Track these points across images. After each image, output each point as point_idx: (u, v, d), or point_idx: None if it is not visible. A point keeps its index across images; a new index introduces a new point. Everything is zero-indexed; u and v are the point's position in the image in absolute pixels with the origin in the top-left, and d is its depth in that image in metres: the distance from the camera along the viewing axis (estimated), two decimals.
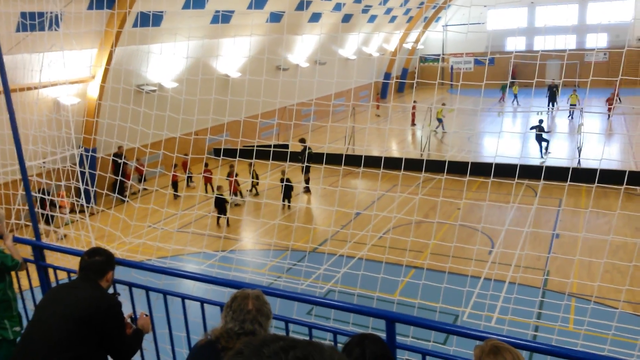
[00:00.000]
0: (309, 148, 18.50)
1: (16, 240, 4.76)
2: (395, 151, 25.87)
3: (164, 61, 20.38)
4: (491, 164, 7.98)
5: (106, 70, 17.91)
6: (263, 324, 2.90)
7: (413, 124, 29.90)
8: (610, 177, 16.54)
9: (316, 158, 18.60)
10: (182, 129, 9.57)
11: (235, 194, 18.22)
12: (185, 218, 16.43)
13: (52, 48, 9.25)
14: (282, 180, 17.70)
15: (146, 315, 4.04)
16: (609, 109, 27.32)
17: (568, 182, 7.24)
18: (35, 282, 4.85)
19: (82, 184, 7.75)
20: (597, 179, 6.92)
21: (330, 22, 31.33)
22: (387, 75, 41.16)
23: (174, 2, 19.41)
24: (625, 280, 10.79)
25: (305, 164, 17.91)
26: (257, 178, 18.64)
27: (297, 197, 19.16)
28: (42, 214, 8.92)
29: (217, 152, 23.13)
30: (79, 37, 15.78)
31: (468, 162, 14.92)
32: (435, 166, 19.12)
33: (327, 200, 18.61)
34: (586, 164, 18.77)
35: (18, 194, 7.94)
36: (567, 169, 9.79)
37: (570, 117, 30.82)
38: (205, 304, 3.97)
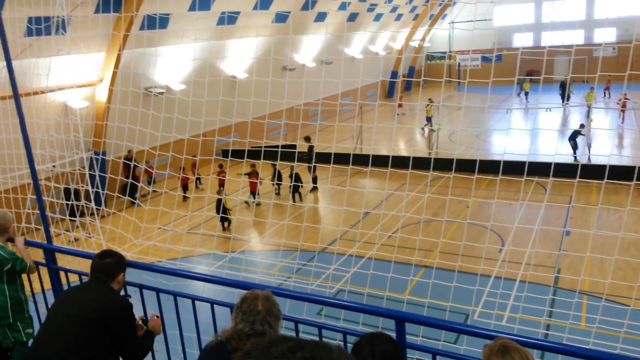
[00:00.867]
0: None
1: (27, 243, 4.80)
2: (403, 150, 25.80)
3: (172, 63, 20.47)
4: (500, 161, 7.94)
5: (114, 74, 18.03)
6: (273, 324, 2.91)
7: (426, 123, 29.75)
8: (621, 173, 16.42)
9: (320, 156, 18.64)
10: (190, 131, 9.61)
11: (254, 194, 18.17)
12: (195, 219, 16.50)
13: (59, 52, 9.31)
14: (290, 175, 17.83)
15: (157, 316, 4.06)
16: (622, 111, 26.66)
17: (577, 179, 7.19)
18: (47, 284, 4.89)
19: (92, 187, 7.80)
20: (606, 175, 6.86)
21: (336, 21, 31.31)
22: (394, 74, 41.07)
23: (180, 4, 19.49)
24: (637, 278, 10.68)
25: (312, 162, 17.97)
26: (281, 179, 18.62)
27: (305, 196, 19.18)
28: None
29: (225, 153, 23.20)
30: (87, 41, 15.88)
31: (476, 160, 14.86)
32: (443, 164, 19.06)
33: (336, 200, 18.60)
34: (596, 160, 18.63)
35: (27, 197, 8.01)
36: (577, 165, 9.71)
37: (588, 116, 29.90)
38: (215, 305, 3.98)
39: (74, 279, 4.61)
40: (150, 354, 3.97)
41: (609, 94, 33.79)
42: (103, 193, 8.55)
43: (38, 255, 4.99)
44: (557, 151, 19.59)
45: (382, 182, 18.98)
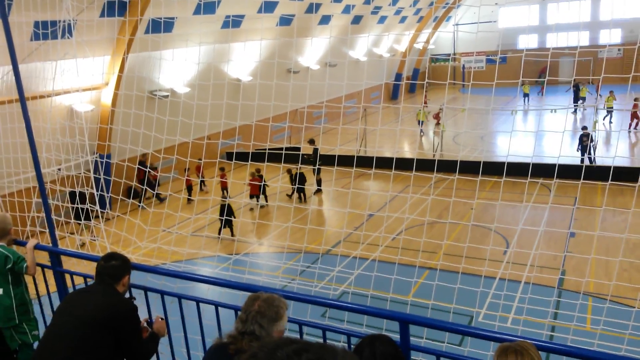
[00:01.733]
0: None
1: (35, 247, 4.83)
2: (407, 152, 25.79)
3: (176, 67, 20.55)
4: (504, 163, 7.94)
5: (119, 77, 18.11)
6: (264, 325, 2.93)
7: (438, 124, 29.73)
8: (626, 174, 16.35)
9: (324, 158, 18.66)
10: (194, 134, 9.64)
11: (255, 197, 18.09)
12: (199, 222, 16.54)
13: (65, 56, 9.38)
14: (292, 176, 17.88)
15: (162, 319, 4.08)
16: (636, 125, 25.85)
17: (582, 180, 7.17)
18: (53, 287, 4.92)
19: (98, 191, 7.84)
20: (610, 176, 6.84)
21: (340, 24, 31.37)
22: (398, 76, 41.07)
23: (185, 8, 19.58)
24: None
25: (316, 164, 17.98)
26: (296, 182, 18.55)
27: (309, 198, 19.20)
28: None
29: (229, 156, 23.25)
30: (92, 45, 15.98)
31: (480, 162, 14.86)
32: (448, 166, 19.03)
33: (340, 202, 18.61)
34: (601, 161, 18.56)
35: (33, 201, 8.06)
36: (582, 166, 9.69)
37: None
38: (219, 307, 4.00)
39: (79, 281, 4.64)
40: (155, 356, 4.00)
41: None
42: (108, 196, 8.58)
43: (44, 258, 5.02)
44: (562, 153, 19.51)
45: (386, 184, 18.96)
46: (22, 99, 4.95)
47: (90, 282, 3.99)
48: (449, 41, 46.51)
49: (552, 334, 9.60)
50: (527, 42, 43.80)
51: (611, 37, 40.82)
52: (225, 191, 19.15)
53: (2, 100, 13.74)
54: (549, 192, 17.62)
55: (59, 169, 10.06)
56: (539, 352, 2.73)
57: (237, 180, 18.44)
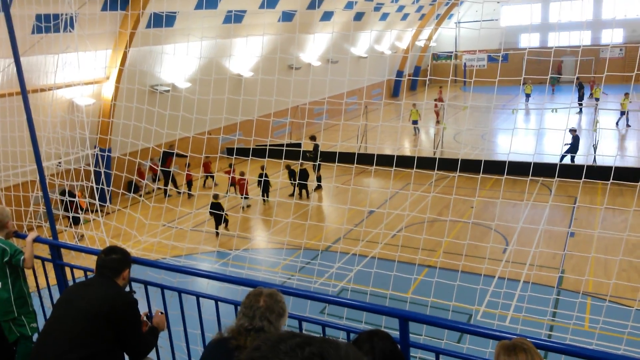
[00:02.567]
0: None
1: (36, 240, 4.82)
2: (407, 149, 25.78)
3: (177, 61, 20.53)
4: (505, 161, 7.93)
5: (120, 71, 18.09)
6: (273, 321, 2.92)
7: (438, 122, 29.70)
8: (626, 174, 16.36)
9: (324, 155, 18.64)
10: (195, 129, 9.63)
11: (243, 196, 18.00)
12: (199, 217, 16.55)
13: (67, 49, 9.36)
14: (291, 174, 17.84)
15: (161, 313, 4.08)
16: None
17: (583, 179, 7.17)
18: (53, 280, 4.92)
19: (98, 184, 7.84)
20: (612, 176, 6.84)
21: (342, 20, 31.31)
22: (400, 73, 41.01)
23: (186, 2, 19.54)
24: None
25: (317, 161, 17.99)
26: (295, 179, 18.47)
27: (310, 194, 19.20)
28: (65, 215, 9.00)
29: (229, 151, 23.24)
30: (93, 39, 15.95)
31: (481, 160, 14.86)
32: (448, 164, 19.02)
33: (340, 199, 18.61)
34: (602, 161, 18.56)
35: (32, 195, 8.06)
36: (583, 166, 9.69)
37: (628, 124, 27.46)
38: (219, 302, 4.00)
39: (79, 274, 4.64)
40: (154, 349, 4.00)
41: (606, 94, 33.85)
42: (108, 190, 8.58)
43: (44, 250, 5.02)
44: (563, 152, 19.53)
45: (386, 181, 18.97)
46: (24, 92, 4.94)
47: (91, 275, 3.99)
48: (450, 39, 46.43)
49: (551, 333, 9.61)
50: (529, 41, 43.72)
51: (613, 36, 40.75)
52: (232, 186, 19.02)
53: (3, 93, 13.75)
54: (549, 191, 17.62)
55: (59, 163, 10.06)
56: (538, 350, 2.74)
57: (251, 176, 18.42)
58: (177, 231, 13.53)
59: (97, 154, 10.93)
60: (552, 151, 21.51)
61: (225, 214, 15.24)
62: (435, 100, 30.89)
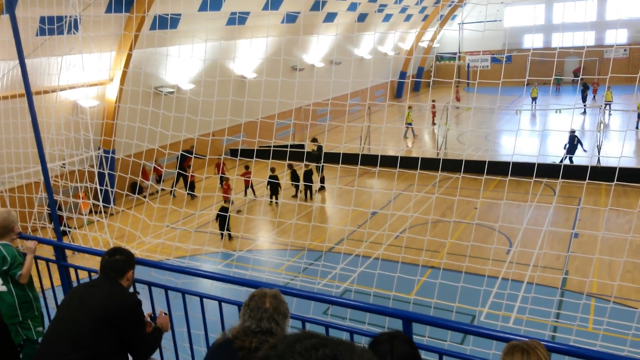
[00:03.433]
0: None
1: (40, 241, 4.84)
2: (411, 150, 25.76)
3: (181, 63, 20.58)
4: (509, 162, 7.92)
5: (124, 73, 18.14)
6: (280, 322, 2.93)
7: (433, 124, 29.70)
8: (631, 175, 16.29)
9: (328, 156, 18.63)
10: (199, 130, 9.66)
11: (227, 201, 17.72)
12: (203, 218, 16.57)
13: (71, 51, 9.40)
14: (293, 174, 17.82)
15: (165, 314, 4.09)
16: None
17: (587, 180, 7.15)
18: (57, 281, 4.94)
19: (102, 186, 7.87)
20: (616, 177, 6.82)
21: (345, 21, 31.33)
22: (403, 75, 40.99)
23: (190, 4, 19.58)
24: None
25: (320, 162, 18.00)
26: (298, 180, 18.25)
27: (314, 195, 19.21)
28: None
29: (233, 152, 23.28)
30: (97, 41, 16.00)
31: (485, 161, 14.84)
32: (451, 165, 19.00)
33: (343, 200, 18.61)
34: (606, 162, 18.50)
35: (36, 196, 8.09)
36: (586, 167, 9.66)
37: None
38: (223, 303, 4.01)
39: (83, 275, 4.66)
40: (158, 350, 4.01)
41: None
42: (112, 191, 8.61)
43: (49, 252, 5.04)
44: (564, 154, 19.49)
45: (389, 182, 18.97)
46: (29, 94, 4.95)
47: (95, 276, 4.00)
48: (454, 40, 46.38)
49: (554, 334, 9.58)
50: (533, 41, 43.62)
51: (617, 37, 40.62)
52: (249, 189, 18.79)
53: (6, 95, 13.80)
54: (553, 192, 17.58)
55: (63, 165, 10.10)
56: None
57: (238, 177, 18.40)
58: (181, 232, 13.56)
59: (100, 155, 10.96)
60: (556, 152, 21.49)
61: (229, 218, 14.76)
62: (453, 98, 30.63)
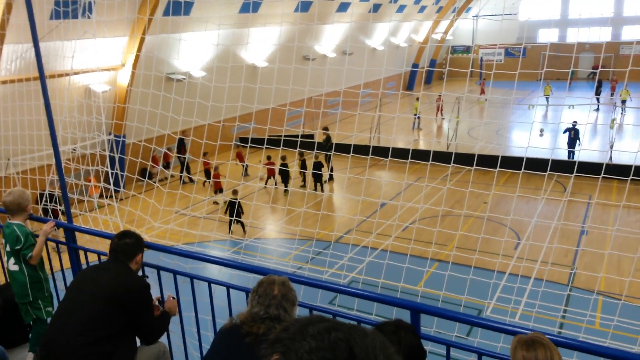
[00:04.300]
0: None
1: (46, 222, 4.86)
2: (421, 143, 25.65)
3: (193, 50, 20.56)
4: (519, 157, 7.85)
5: (137, 57, 18.12)
6: (288, 309, 2.93)
7: (441, 117, 29.53)
8: None
9: (337, 146, 18.57)
10: (210, 118, 9.65)
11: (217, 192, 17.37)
12: (212, 205, 16.63)
13: (84, 35, 9.40)
14: (303, 163, 17.82)
15: (173, 298, 4.11)
16: None
17: (602, 175, 7.07)
18: (66, 264, 4.97)
19: (112, 170, 7.90)
20: (632, 173, 6.73)
21: (358, 12, 31.11)
22: (415, 67, 40.73)
23: None
24: None
25: (329, 152, 17.96)
26: (306, 169, 18.30)
27: (324, 185, 19.21)
28: (45, 209, 8.92)
29: (243, 141, 23.29)
30: (110, 25, 16.02)
31: (495, 156, 14.71)
32: (460, 159, 18.85)
33: (352, 191, 18.58)
34: (618, 159, 18.31)
35: (47, 178, 8.13)
36: (598, 164, 9.57)
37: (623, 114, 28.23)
38: (230, 289, 4.02)
39: (92, 258, 4.69)
40: (165, 334, 4.03)
41: (613, 93, 33.41)
42: (122, 175, 8.64)
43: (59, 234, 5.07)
44: (579, 149, 19.33)
45: (398, 174, 18.90)
46: (42, 77, 4.96)
47: (104, 259, 4.02)
48: (467, 33, 45.96)
49: (561, 330, 9.55)
50: (548, 36, 43.12)
51: (635, 33, 40.04)
52: (272, 179, 18.80)
53: (20, 78, 13.86)
54: (564, 188, 17.45)
55: (74, 149, 10.15)
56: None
57: (254, 164, 18.41)
58: (190, 218, 13.62)
59: (111, 140, 10.99)
60: (566, 147, 21.27)
61: (241, 213, 14.40)
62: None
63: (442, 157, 18.12)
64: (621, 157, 18.08)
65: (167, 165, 20.27)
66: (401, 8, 35.43)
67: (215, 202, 17.24)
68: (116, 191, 8.88)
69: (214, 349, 3.09)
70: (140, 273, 3.98)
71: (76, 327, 3.43)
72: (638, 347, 6.88)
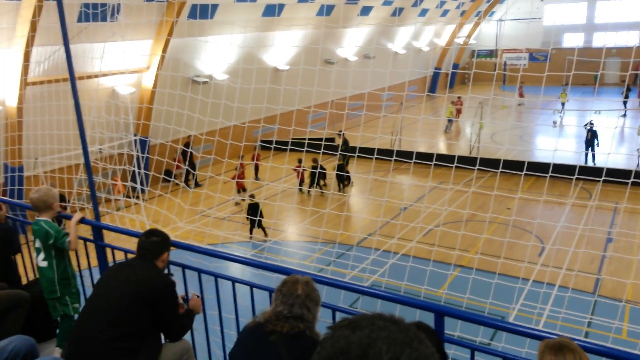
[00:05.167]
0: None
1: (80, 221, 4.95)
2: (443, 147, 25.46)
3: (216, 54, 20.76)
4: (544, 163, 7.74)
5: (162, 58, 18.34)
6: (311, 309, 2.94)
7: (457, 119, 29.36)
8: None
9: (359, 150, 18.52)
10: (234, 120, 9.74)
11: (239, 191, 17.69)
12: (234, 206, 16.74)
13: (113, 36, 9.58)
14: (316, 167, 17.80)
15: (198, 296, 4.15)
16: None
17: (631, 179, 6.94)
18: (94, 261, 5.05)
19: (137, 170, 8.02)
20: None
21: (380, 15, 31.07)
22: (437, 71, 40.52)
23: None
24: None
25: (347, 155, 17.94)
26: (325, 176, 18.21)
27: (348, 187, 19.16)
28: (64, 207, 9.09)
29: (262, 143, 23.41)
30: (137, 28, 16.29)
31: (520, 161, 14.54)
32: (484, 164, 18.63)
33: (374, 195, 18.51)
34: None
35: (75, 177, 8.29)
36: (626, 171, 9.38)
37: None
38: (254, 289, 4.05)
39: (120, 256, 4.76)
40: (189, 332, 4.07)
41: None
42: (147, 174, 8.74)
43: (86, 231, 5.16)
44: (606, 156, 18.97)
45: (420, 178, 18.77)
46: (72, 79, 5.06)
47: (131, 257, 4.08)
48: (491, 37, 45.52)
49: (587, 340, 9.37)
50: (573, 40, 42.43)
51: None
52: (302, 182, 18.69)
53: (49, 79, 14.16)
54: (589, 195, 17.13)
55: (100, 150, 10.32)
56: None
57: (277, 164, 18.46)
58: (213, 220, 13.72)
59: (136, 140, 11.16)
60: (593, 152, 20.89)
61: (260, 218, 13.82)
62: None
63: (465, 161, 17.96)
64: None
65: (192, 167, 20.47)
66: (424, 12, 35.28)
67: (237, 203, 17.31)
68: (142, 191, 8.99)
69: (238, 346, 3.12)
70: (165, 271, 4.03)
71: (103, 323, 3.49)
72: None
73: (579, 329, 9.47)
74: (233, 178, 16.64)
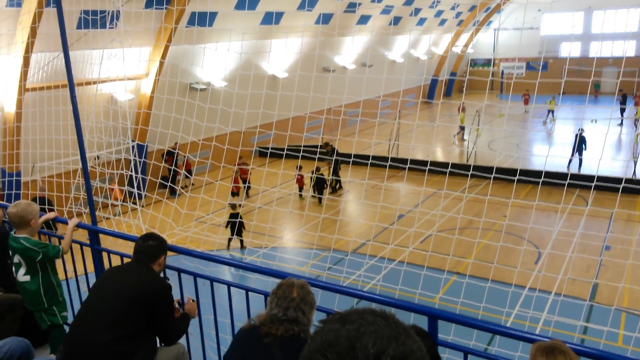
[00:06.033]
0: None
1: (77, 225, 4.96)
2: (439, 155, 25.53)
3: (214, 61, 20.85)
4: (539, 171, 7.79)
5: (161, 64, 18.42)
6: (306, 312, 2.96)
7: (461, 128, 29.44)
8: None
9: (355, 158, 18.63)
10: (227, 127, 9.79)
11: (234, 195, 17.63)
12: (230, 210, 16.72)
13: (111, 43, 9.63)
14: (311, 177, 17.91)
15: (193, 300, 4.17)
16: None
17: (622, 184, 6.99)
18: (90, 266, 5.06)
19: (135, 175, 8.05)
20: None
21: (378, 24, 31.27)
22: (435, 79, 40.72)
23: (227, 2, 19.84)
24: None
25: (336, 163, 18.04)
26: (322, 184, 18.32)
27: (341, 195, 19.23)
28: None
29: (259, 151, 23.46)
30: (135, 35, 16.35)
31: (516, 169, 14.58)
32: (480, 171, 18.72)
33: (365, 203, 18.55)
34: None
35: (73, 181, 8.31)
36: (621, 179, 9.44)
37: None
38: (249, 293, 4.07)
39: (116, 260, 4.78)
40: (184, 336, 4.09)
41: (638, 109, 32.91)
42: (144, 179, 8.78)
43: (83, 236, 5.18)
44: (600, 164, 19.05)
45: (416, 186, 18.82)
46: (71, 85, 5.08)
47: (127, 261, 4.10)
48: (488, 46, 45.79)
49: (580, 343, 9.37)
50: (570, 50, 42.69)
51: None
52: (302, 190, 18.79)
53: (48, 85, 14.21)
54: (585, 203, 17.19)
55: (97, 157, 10.35)
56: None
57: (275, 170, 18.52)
58: (209, 226, 13.72)
59: (134, 146, 11.19)
60: (588, 163, 21.00)
61: (242, 228, 14.01)
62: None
63: (461, 169, 18.03)
64: None
65: (189, 173, 20.49)
66: (421, 21, 35.51)
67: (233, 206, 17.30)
68: (139, 197, 9.02)
69: (233, 348, 3.14)
70: (162, 275, 4.05)
71: (99, 326, 3.49)
72: None
73: (574, 335, 9.48)
74: (234, 182, 16.81)
